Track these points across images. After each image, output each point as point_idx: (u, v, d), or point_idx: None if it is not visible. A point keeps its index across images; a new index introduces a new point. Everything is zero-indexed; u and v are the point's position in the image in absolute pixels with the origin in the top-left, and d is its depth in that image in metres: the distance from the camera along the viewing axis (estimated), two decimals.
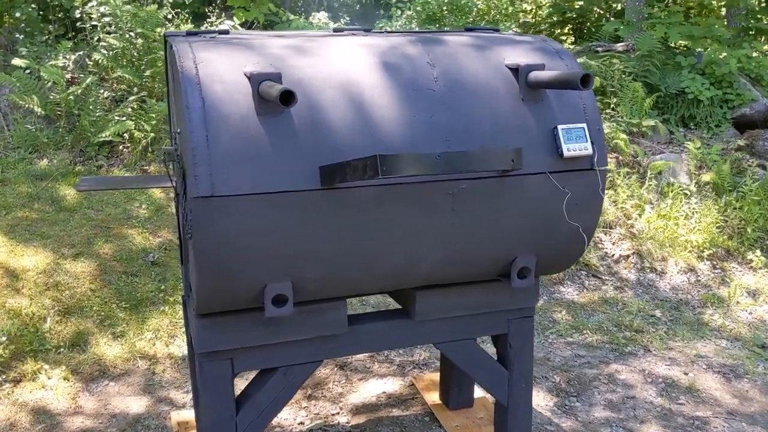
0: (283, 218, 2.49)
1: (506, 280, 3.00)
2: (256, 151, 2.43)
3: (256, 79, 2.44)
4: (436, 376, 4.54)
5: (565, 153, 2.69)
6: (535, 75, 2.69)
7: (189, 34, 2.96)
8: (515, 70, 2.77)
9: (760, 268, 6.52)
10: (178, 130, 2.94)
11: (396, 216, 2.62)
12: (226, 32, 3.02)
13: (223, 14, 8.59)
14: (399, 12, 8.41)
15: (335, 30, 3.25)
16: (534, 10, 11.22)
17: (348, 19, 8.79)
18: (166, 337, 4.78)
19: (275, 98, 2.17)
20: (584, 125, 2.75)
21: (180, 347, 4.72)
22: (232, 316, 2.82)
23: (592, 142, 2.74)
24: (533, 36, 3.13)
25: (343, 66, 2.66)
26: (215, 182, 2.39)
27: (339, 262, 2.67)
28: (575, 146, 2.71)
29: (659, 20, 8.98)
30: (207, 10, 8.75)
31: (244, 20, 8.33)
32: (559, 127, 2.72)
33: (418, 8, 7.98)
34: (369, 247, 2.66)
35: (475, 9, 8.44)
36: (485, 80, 2.76)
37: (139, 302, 5.02)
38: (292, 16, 8.69)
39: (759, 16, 9.91)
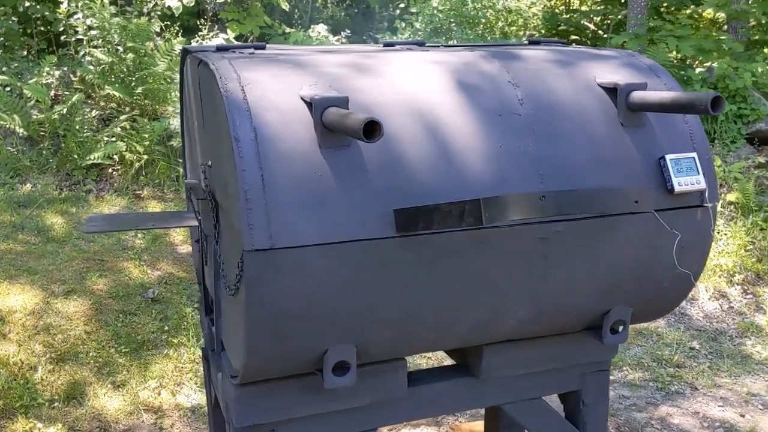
0: (353, 272, 2.05)
1: (594, 334, 2.59)
2: (322, 192, 1.99)
3: (319, 105, 2.00)
4: (476, 426, 4.11)
5: (676, 188, 2.28)
6: (640, 96, 2.28)
7: (220, 49, 2.52)
8: (612, 89, 2.37)
9: None
10: (209, 163, 2.50)
11: (480, 266, 2.19)
12: (263, 47, 2.58)
13: (216, 27, 8.13)
14: (403, 25, 8.03)
15: (386, 45, 2.82)
16: (522, 21, 10.90)
17: (348, 32, 8.41)
18: (172, 385, 4.29)
19: (357, 130, 1.73)
20: (695, 155, 2.35)
21: (188, 396, 4.23)
22: (278, 384, 2.37)
23: (703, 175, 2.34)
24: (616, 50, 2.73)
25: (413, 88, 2.23)
26: (274, 232, 1.94)
27: (412, 322, 2.23)
28: (686, 180, 2.30)
29: (669, 32, 8.70)
30: (198, 23, 8.29)
31: (238, 33, 7.88)
32: (668, 157, 2.31)
33: (427, 20, 7.59)
34: (447, 303, 2.23)
35: (483, 21, 8.09)
36: (577, 102, 2.35)
37: (140, 345, 4.53)
38: (287, 29, 8.25)
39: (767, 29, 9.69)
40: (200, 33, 8.08)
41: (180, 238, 5.73)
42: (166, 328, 4.71)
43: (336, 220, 1.99)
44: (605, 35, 11.23)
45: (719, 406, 4.53)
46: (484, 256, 2.18)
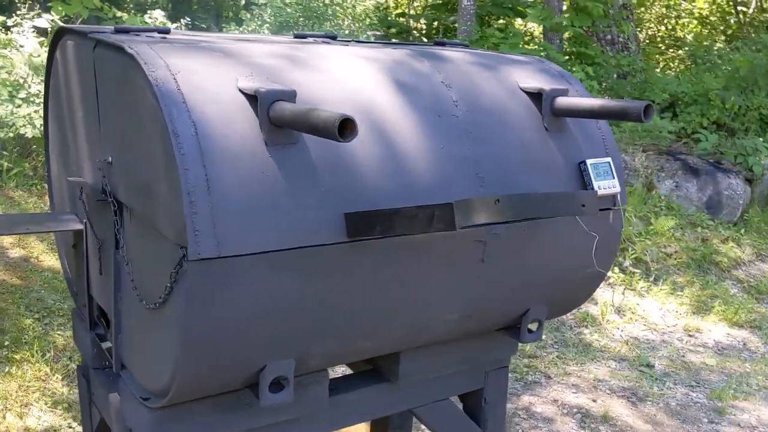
0: (302, 281, 1.90)
1: (511, 334, 2.63)
2: (271, 194, 1.83)
3: (265, 99, 1.83)
4: (359, 428, 4.05)
5: (598, 192, 2.37)
6: (566, 102, 2.34)
7: (119, 31, 2.25)
8: (535, 94, 2.41)
9: (618, 285, 6.77)
10: (110, 159, 2.22)
11: (420, 270, 2.14)
12: (167, 31, 2.34)
13: (37, 6, 7.35)
14: (248, 16, 7.74)
15: (297, 36, 2.68)
16: (368, 21, 11.02)
17: (189, 19, 7.94)
18: (17, 406, 3.80)
19: (330, 127, 1.59)
20: (609, 159, 2.46)
21: (39, 419, 3.77)
22: (195, 404, 2.15)
23: (617, 179, 2.45)
24: (526, 56, 2.80)
25: (355, 84, 2.12)
26: (221, 239, 1.74)
27: (354, 331, 2.13)
28: (604, 183, 2.40)
29: (501, 40, 9.17)
30: (15, 1, 7.44)
31: (63, 15, 7.17)
32: (588, 162, 2.40)
33: (276, 13, 7.37)
34: (388, 310, 2.15)
35: (331, 17, 8.02)
36: (504, 105, 2.36)
37: None
38: (119, 13, 7.65)
39: (580, 41, 10.53)
40: (18, 12, 7.27)
41: (9, 241, 5.11)
42: (6, 342, 4.17)
43: (287, 225, 1.84)
44: (434, 40, 11.60)
45: (573, 393, 4.84)
46: (425, 261, 2.13)
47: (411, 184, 2.05)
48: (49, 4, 7.28)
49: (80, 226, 2.56)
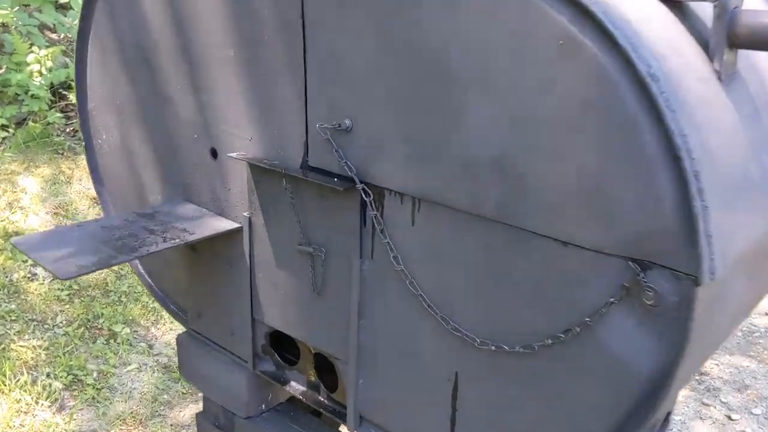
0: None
1: None
2: (744, 159, 1.18)
3: (726, 6, 1.14)
4: None
5: None
6: None
7: None
8: None
9: None
10: (347, 123, 1.41)
11: None
12: None
13: None
14: None
15: None
16: None
17: None
18: None
19: None
20: None
21: None
22: None
23: None
24: None
25: None
26: (725, 245, 1.09)
27: None
28: None
29: None
30: None
31: None
32: None
33: None
34: None
35: None
36: None
37: None
38: None
39: None
40: None
41: None
42: None
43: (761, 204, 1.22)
44: None
45: None
46: None
47: None
48: None
49: (237, 225, 1.71)
